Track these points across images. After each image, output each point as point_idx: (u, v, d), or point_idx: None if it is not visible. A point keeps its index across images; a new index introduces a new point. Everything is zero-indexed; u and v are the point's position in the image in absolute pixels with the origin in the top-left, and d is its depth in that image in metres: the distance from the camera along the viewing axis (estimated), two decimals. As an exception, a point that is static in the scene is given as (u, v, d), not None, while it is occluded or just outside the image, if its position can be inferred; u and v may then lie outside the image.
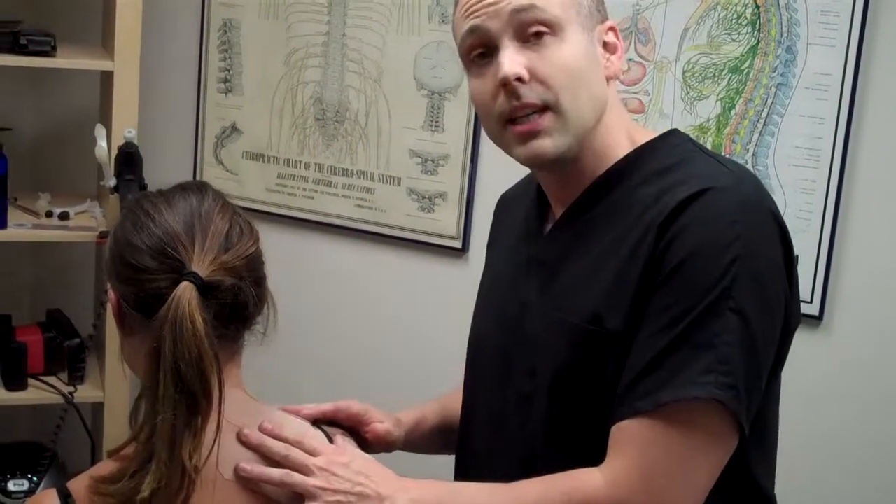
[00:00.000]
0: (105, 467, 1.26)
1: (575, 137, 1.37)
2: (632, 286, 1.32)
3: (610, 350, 1.33)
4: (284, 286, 2.98)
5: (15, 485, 2.82)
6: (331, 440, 1.44)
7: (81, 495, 1.24)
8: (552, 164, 1.39)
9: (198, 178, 3.00)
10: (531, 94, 1.35)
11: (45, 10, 2.97)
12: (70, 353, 2.76)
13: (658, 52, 2.43)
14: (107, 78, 2.69)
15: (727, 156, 2.37)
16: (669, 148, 1.42)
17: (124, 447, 1.26)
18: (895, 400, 2.31)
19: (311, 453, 1.35)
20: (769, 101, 2.34)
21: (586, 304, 1.36)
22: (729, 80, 2.38)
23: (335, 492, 1.32)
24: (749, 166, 2.36)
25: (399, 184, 2.77)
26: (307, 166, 2.88)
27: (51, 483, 2.65)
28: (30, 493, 2.76)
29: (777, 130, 2.35)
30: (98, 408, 2.81)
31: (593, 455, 1.34)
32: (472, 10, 1.38)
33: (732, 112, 2.39)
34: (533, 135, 1.36)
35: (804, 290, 2.30)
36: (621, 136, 1.43)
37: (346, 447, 1.41)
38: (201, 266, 1.25)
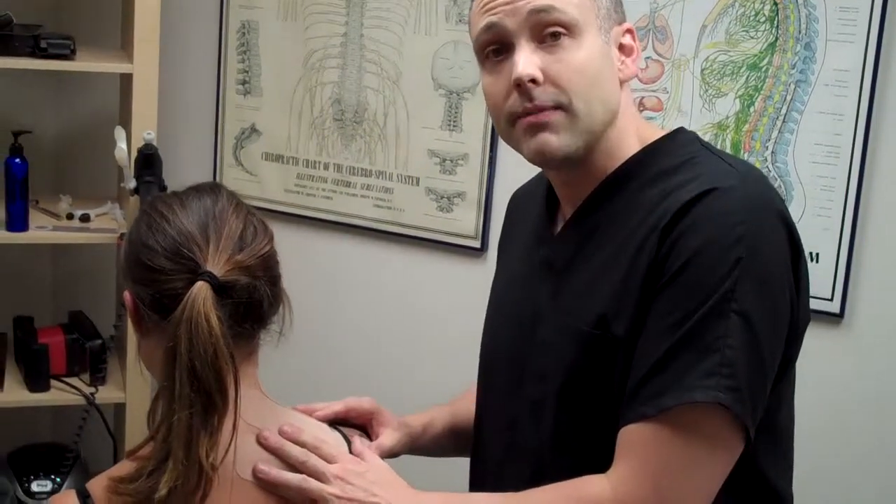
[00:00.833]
0: (123, 467, 1.26)
1: (583, 140, 1.36)
2: (636, 290, 1.30)
3: (616, 355, 1.32)
4: (304, 286, 2.99)
5: (38, 486, 2.85)
6: (348, 441, 1.44)
7: (100, 495, 1.25)
8: (559, 162, 1.38)
9: (218, 179, 3.01)
10: (544, 96, 1.34)
11: (65, 14, 3.00)
12: (92, 355, 2.78)
13: (676, 50, 2.43)
14: (126, 80, 2.71)
15: (745, 154, 2.36)
16: (675, 147, 1.41)
17: (142, 447, 1.26)
18: (917, 397, 2.30)
19: (329, 460, 1.36)
20: (788, 97, 2.33)
21: (593, 308, 1.35)
22: (747, 77, 2.37)
23: (349, 500, 1.33)
24: (768, 164, 2.35)
25: (417, 184, 2.77)
26: (326, 167, 2.88)
27: (74, 483, 2.67)
28: (53, 493, 2.78)
29: (796, 127, 2.34)
30: (120, 408, 2.83)
31: (600, 461, 1.33)
32: (489, 6, 1.37)
33: (751, 109, 2.38)
34: (540, 127, 1.35)
35: (825, 287, 2.30)
36: (631, 136, 1.42)
37: (364, 453, 1.42)
38: (216, 266, 1.25)
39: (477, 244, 2.71)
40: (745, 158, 2.33)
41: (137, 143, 2.53)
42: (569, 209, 1.46)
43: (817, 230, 2.30)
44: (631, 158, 1.41)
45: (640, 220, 1.34)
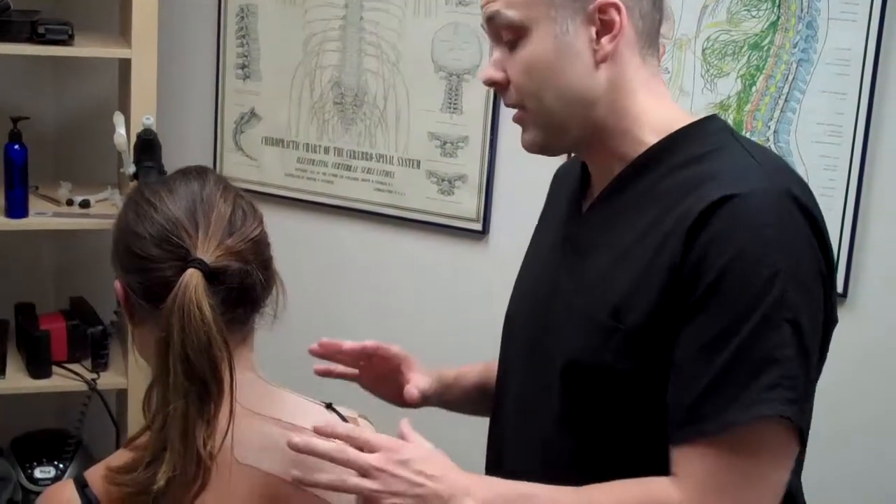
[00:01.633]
0: (120, 457, 1.26)
1: (550, 133, 1.39)
2: (656, 286, 1.28)
3: (625, 345, 1.31)
4: (305, 271, 3.00)
5: (41, 472, 2.85)
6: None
7: (98, 485, 1.25)
8: (541, 153, 1.42)
9: (218, 164, 3.00)
10: (507, 98, 1.40)
11: (63, 0, 2.98)
12: (93, 341, 2.78)
13: (677, 30, 2.41)
14: (125, 66, 2.70)
15: (747, 133, 2.34)
16: (704, 136, 1.38)
17: (139, 436, 1.26)
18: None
19: (366, 448, 1.28)
20: (790, 77, 2.32)
21: (608, 296, 1.33)
22: (749, 56, 2.35)
23: (393, 494, 1.25)
24: (770, 143, 2.33)
25: (418, 167, 2.76)
26: (326, 151, 2.87)
27: (77, 470, 2.67)
28: (56, 479, 2.79)
29: (798, 107, 2.32)
30: (122, 394, 2.83)
31: (604, 444, 1.33)
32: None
33: (753, 89, 2.36)
34: (520, 123, 1.41)
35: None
36: (652, 118, 1.39)
37: (409, 434, 1.33)
38: (206, 252, 1.24)
39: (478, 227, 2.70)
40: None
41: (136, 129, 2.52)
42: (598, 187, 1.45)
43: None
44: (656, 145, 1.37)
45: (663, 210, 1.32)
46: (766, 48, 2.33)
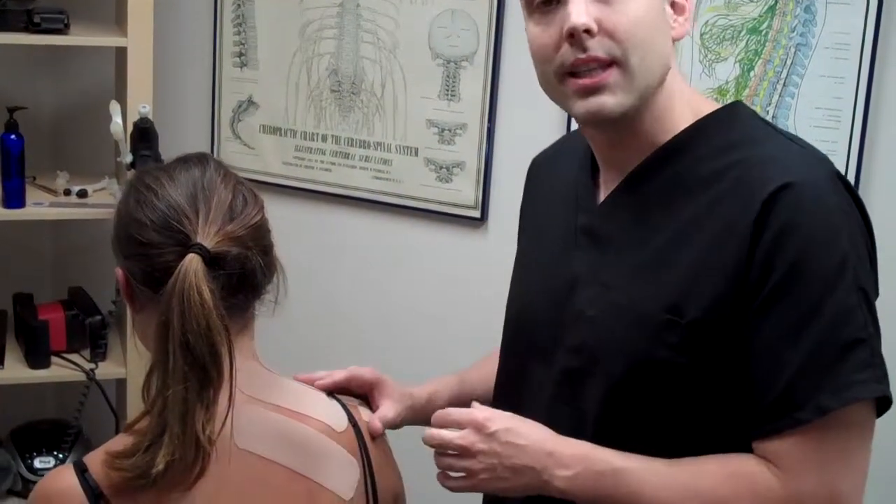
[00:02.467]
0: (120, 442, 1.26)
1: (639, 97, 1.31)
2: (722, 278, 1.27)
3: (685, 341, 1.29)
4: (304, 259, 3.00)
5: (41, 462, 2.85)
6: (348, 411, 1.43)
7: (98, 470, 1.24)
8: (612, 123, 1.33)
9: (215, 152, 2.99)
10: (598, 48, 1.29)
11: (58, -12, 2.97)
12: (92, 330, 2.78)
13: (675, 15, 2.40)
14: (121, 54, 2.69)
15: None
16: (736, 121, 1.37)
17: (138, 421, 1.26)
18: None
19: (457, 428, 1.33)
20: (788, 61, 2.31)
21: (661, 290, 1.31)
22: (747, 41, 2.35)
23: (483, 469, 1.31)
24: (769, 129, 2.33)
25: (416, 154, 2.75)
26: (324, 139, 2.87)
27: (76, 460, 2.66)
28: (56, 469, 2.78)
29: (797, 91, 2.32)
30: (121, 384, 2.82)
31: (646, 438, 1.31)
32: None
33: (751, 74, 2.36)
34: (596, 90, 1.30)
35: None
36: (682, 103, 1.38)
37: (490, 416, 1.35)
38: (206, 237, 1.24)
39: (477, 214, 2.70)
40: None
41: (133, 118, 2.52)
42: (612, 175, 1.41)
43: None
44: (685, 130, 1.36)
45: (710, 200, 1.30)
46: (764, 33, 2.33)
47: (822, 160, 1.33)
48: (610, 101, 1.30)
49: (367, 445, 1.41)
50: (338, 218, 2.91)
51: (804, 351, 1.23)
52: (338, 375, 1.51)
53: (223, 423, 1.24)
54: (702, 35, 2.38)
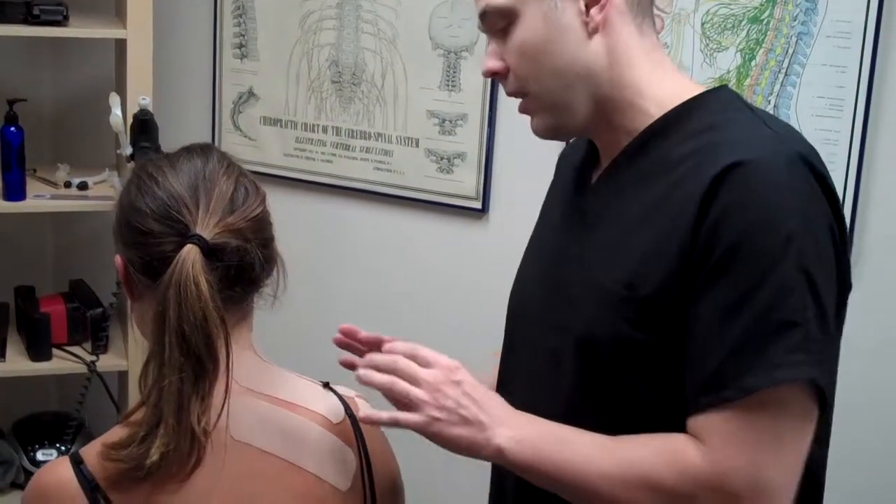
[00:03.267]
0: (116, 433, 1.25)
1: (558, 114, 1.39)
2: (670, 257, 1.27)
3: (640, 315, 1.30)
4: (305, 251, 3.00)
5: (44, 454, 2.86)
6: (346, 404, 1.43)
7: (94, 462, 1.24)
8: (552, 138, 1.44)
9: (216, 144, 2.99)
10: (510, 86, 1.40)
11: (58, -20, 2.96)
12: (93, 323, 2.78)
13: (676, 4, 2.39)
14: (121, 46, 2.68)
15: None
16: (714, 105, 1.37)
17: (134, 412, 1.25)
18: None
19: (425, 365, 1.32)
20: (790, 50, 2.30)
21: (621, 267, 1.33)
22: (749, 30, 2.34)
23: (439, 408, 1.29)
24: (770, 118, 2.32)
25: (417, 145, 2.74)
26: (325, 130, 2.86)
27: (72, 452, 2.66)
28: (58, 462, 2.78)
29: (798, 81, 2.31)
30: (123, 376, 2.83)
31: (617, 418, 1.32)
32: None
33: (753, 63, 2.35)
34: (526, 112, 1.41)
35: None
36: (660, 90, 1.38)
37: (457, 370, 1.35)
38: (206, 228, 1.24)
39: (478, 205, 2.69)
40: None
41: (133, 110, 2.51)
42: (606, 158, 1.44)
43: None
44: (669, 113, 1.37)
45: (675, 180, 1.31)
46: (765, 21, 2.32)
47: (787, 140, 1.31)
48: (534, 123, 1.42)
49: (363, 437, 1.40)
50: (339, 209, 2.90)
51: (737, 330, 1.23)
52: (384, 337, 1.50)
53: (219, 415, 1.23)
54: (703, 24, 2.37)
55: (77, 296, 2.88)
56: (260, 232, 1.30)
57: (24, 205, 2.67)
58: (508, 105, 2.63)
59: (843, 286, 1.32)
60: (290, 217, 2.87)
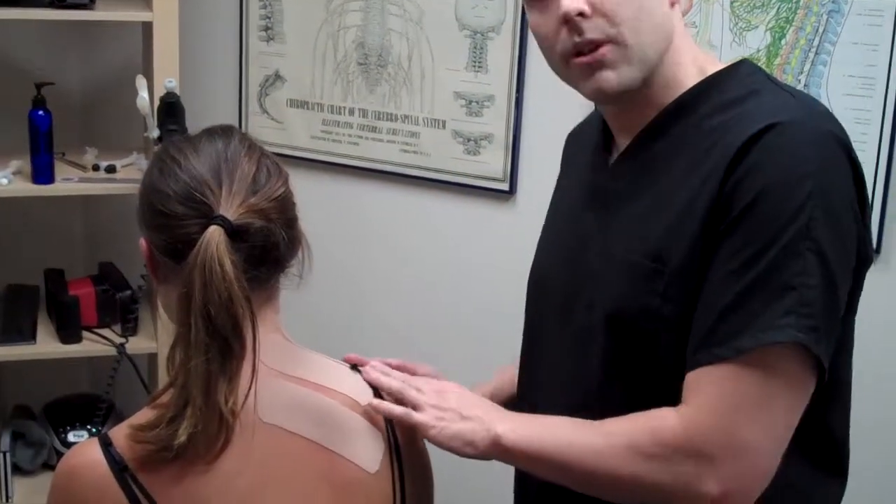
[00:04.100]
0: (144, 415, 1.26)
1: (640, 70, 1.34)
2: (696, 223, 1.28)
3: (669, 288, 1.30)
4: (331, 233, 3.00)
5: (75, 436, 2.88)
6: (372, 386, 1.43)
7: (122, 443, 1.25)
8: (617, 97, 1.37)
9: (243, 127, 2.99)
10: (593, 30, 1.32)
11: (84, -36, 2.97)
12: (122, 305, 2.79)
13: (704, -17, 2.37)
14: (147, 29, 2.69)
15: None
16: (739, 79, 1.38)
17: (162, 394, 1.26)
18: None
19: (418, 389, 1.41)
20: (820, 29, 2.27)
21: (649, 240, 1.33)
22: (778, 8, 2.31)
23: (443, 409, 1.37)
24: (800, 97, 2.30)
25: (444, 127, 2.73)
26: (351, 112, 2.86)
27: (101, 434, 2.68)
28: (89, 444, 2.80)
29: (829, 59, 2.28)
30: (153, 358, 2.84)
31: (649, 392, 1.33)
32: None
33: (783, 42, 2.32)
34: (597, 67, 1.33)
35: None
36: (689, 65, 1.39)
37: (441, 382, 1.46)
38: (229, 209, 1.24)
39: (505, 186, 2.68)
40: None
41: (160, 93, 2.52)
42: (624, 139, 1.44)
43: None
44: (691, 89, 1.38)
45: (701, 153, 1.31)
46: (795, 0, 2.29)
47: (815, 113, 1.32)
48: (612, 77, 1.34)
49: (393, 420, 1.40)
50: (365, 192, 2.90)
51: (737, 291, 1.24)
52: (392, 361, 1.52)
53: (246, 396, 1.23)
54: (732, 3, 2.35)
55: (106, 278, 2.90)
56: (283, 212, 1.29)
57: (53, 188, 2.68)
58: (536, 86, 2.61)
59: (861, 260, 1.32)
60: (316, 199, 2.87)
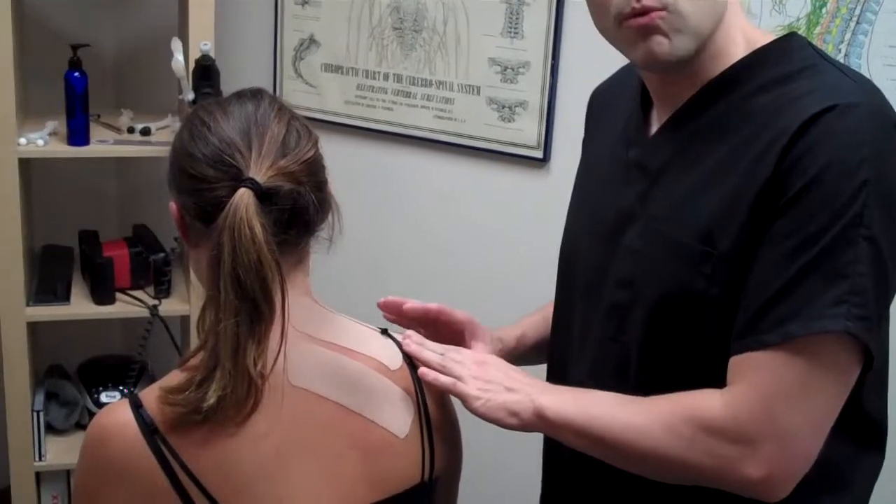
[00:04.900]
0: (174, 378, 1.26)
1: (694, 41, 1.31)
2: (747, 205, 1.26)
3: (717, 271, 1.29)
4: (364, 198, 2.99)
5: (107, 396, 2.91)
6: (403, 351, 1.43)
7: (152, 405, 1.25)
8: (668, 66, 1.33)
9: (278, 91, 2.99)
10: None
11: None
12: (155, 268, 2.81)
13: (745, -51, 2.34)
14: (183, -9, 2.69)
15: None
16: (790, 53, 1.34)
17: (192, 357, 1.26)
18: None
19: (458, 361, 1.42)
20: (862, -3, 2.24)
21: (698, 221, 1.31)
22: (820, -24, 2.28)
23: (487, 381, 1.38)
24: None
25: (478, 93, 2.72)
26: (386, 77, 2.84)
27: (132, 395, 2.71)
28: (121, 404, 2.83)
29: (870, 29, 2.24)
30: (185, 320, 2.85)
31: (688, 370, 1.32)
32: None
33: (823, 10, 2.29)
34: (652, 30, 1.29)
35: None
36: (737, 37, 1.36)
37: (478, 351, 1.48)
38: (259, 172, 1.23)
39: (539, 154, 2.66)
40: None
41: (195, 56, 2.52)
42: (665, 110, 1.41)
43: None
44: (739, 62, 1.35)
45: (755, 130, 1.28)
46: (837, -33, 2.25)
47: (872, 95, 1.29)
48: (665, 45, 1.30)
49: (422, 384, 1.40)
50: (399, 157, 2.89)
51: (788, 276, 1.22)
52: (430, 305, 1.56)
53: (275, 359, 1.23)
54: (772, -30, 2.31)
55: (140, 240, 2.91)
56: (313, 175, 1.29)
57: (88, 150, 2.69)
58: (572, 53, 2.59)
59: None
60: (349, 164, 2.87)
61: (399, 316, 1.60)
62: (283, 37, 2.98)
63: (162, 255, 2.82)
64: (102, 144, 2.71)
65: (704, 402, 1.27)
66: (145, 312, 2.71)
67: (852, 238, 1.20)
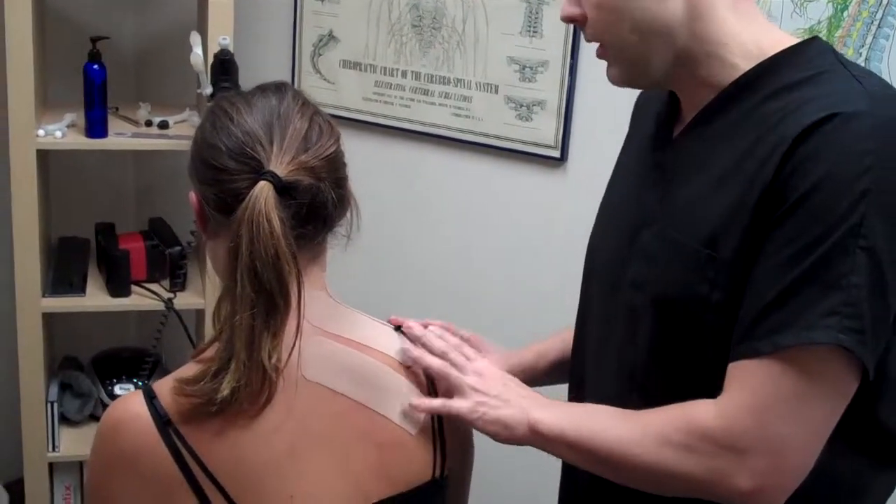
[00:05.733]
0: (189, 369, 1.26)
1: (632, 68, 1.37)
2: (748, 211, 1.25)
3: (720, 276, 1.28)
4: (381, 195, 2.99)
5: (121, 389, 2.92)
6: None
7: (166, 396, 1.25)
8: (632, 87, 1.42)
9: (296, 86, 2.99)
10: (587, 34, 1.38)
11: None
12: (171, 261, 2.82)
13: (766, -49, 2.33)
14: (203, -14, 2.69)
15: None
16: (806, 59, 1.32)
17: (207, 348, 1.26)
18: None
19: (468, 358, 1.44)
20: (884, 0, 2.22)
21: (704, 226, 1.30)
22: (842, -21, 2.26)
23: (484, 393, 1.38)
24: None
25: (497, 92, 2.72)
26: (404, 74, 2.84)
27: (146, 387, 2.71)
28: (135, 397, 2.84)
29: (892, 33, 2.23)
30: (200, 314, 2.86)
31: (694, 376, 1.31)
32: None
33: (845, 14, 2.28)
34: (603, 58, 1.39)
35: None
36: (747, 43, 1.34)
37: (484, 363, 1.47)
38: (279, 166, 1.24)
39: (556, 153, 2.66)
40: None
41: (214, 50, 2.52)
42: (689, 114, 1.41)
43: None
44: (755, 68, 1.33)
45: (759, 136, 1.28)
46: (860, -30, 2.24)
47: (884, 102, 1.26)
48: (611, 72, 1.39)
49: (435, 382, 1.40)
50: (416, 155, 2.89)
51: (783, 285, 1.21)
52: (432, 324, 1.52)
53: (290, 353, 1.24)
54: (794, -28, 2.30)
55: (156, 233, 2.92)
56: (333, 171, 1.29)
57: (106, 142, 2.70)
58: (590, 52, 2.57)
59: None
60: (366, 161, 2.87)
61: None
62: (302, 32, 2.98)
63: (178, 248, 2.83)
64: (120, 137, 2.72)
65: (698, 411, 1.27)
66: (160, 305, 2.72)
67: (849, 249, 1.19)
